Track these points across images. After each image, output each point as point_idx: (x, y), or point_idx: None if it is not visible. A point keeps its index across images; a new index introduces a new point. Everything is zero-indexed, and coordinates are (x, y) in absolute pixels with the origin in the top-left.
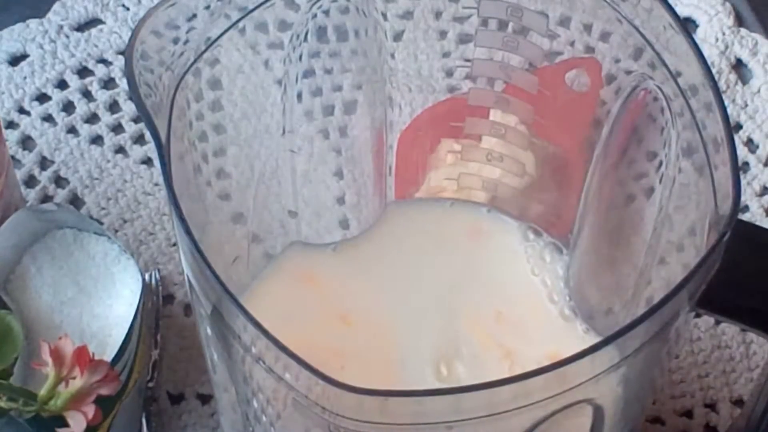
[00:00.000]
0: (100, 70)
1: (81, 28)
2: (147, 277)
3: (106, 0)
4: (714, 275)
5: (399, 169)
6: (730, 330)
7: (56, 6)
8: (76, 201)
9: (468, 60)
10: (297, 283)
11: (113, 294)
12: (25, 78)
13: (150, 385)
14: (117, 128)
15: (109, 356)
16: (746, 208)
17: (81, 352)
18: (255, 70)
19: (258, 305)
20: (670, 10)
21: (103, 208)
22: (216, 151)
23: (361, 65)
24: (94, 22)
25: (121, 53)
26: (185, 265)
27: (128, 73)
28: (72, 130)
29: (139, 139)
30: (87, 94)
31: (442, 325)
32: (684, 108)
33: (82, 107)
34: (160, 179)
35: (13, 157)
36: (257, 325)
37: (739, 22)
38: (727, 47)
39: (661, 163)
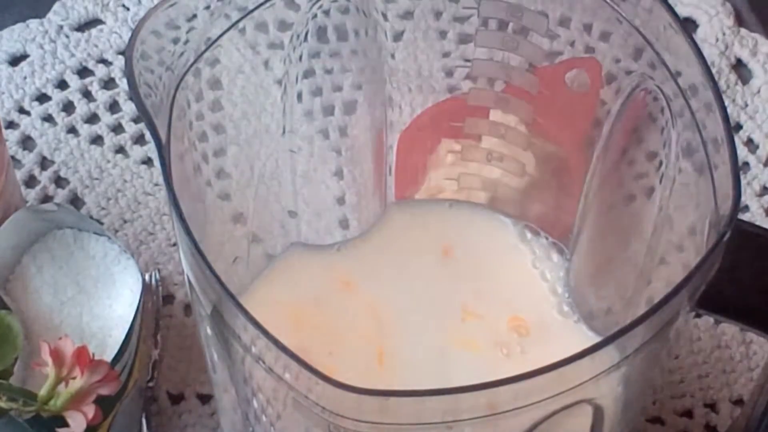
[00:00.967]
0: (100, 70)
1: (81, 28)
2: (147, 277)
3: (106, 0)
4: (714, 275)
5: (399, 169)
6: (730, 330)
7: (56, 6)
8: (76, 201)
9: (468, 60)
10: (297, 284)
11: (113, 294)
12: (25, 78)
13: (150, 385)
14: (117, 128)
15: (109, 356)
16: (746, 208)
17: (81, 353)
18: (255, 70)
19: (258, 305)
20: (670, 10)
21: (103, 208)
22: (216, 151)
23: (361, 65)
24: (94, 22)
25: (121, 53)
26: (185, 265)
27: (128, 73)
28: (72, 130)
29: (139, 139)
30: (87, 94)
31: (442, 324)
32: (684, 108)
33: (82, 107)
34: (160, 179)
35: (13, 157)
36: (257, 325)
37: (739, 22)
38: (727, 47)
39: (661, 163)
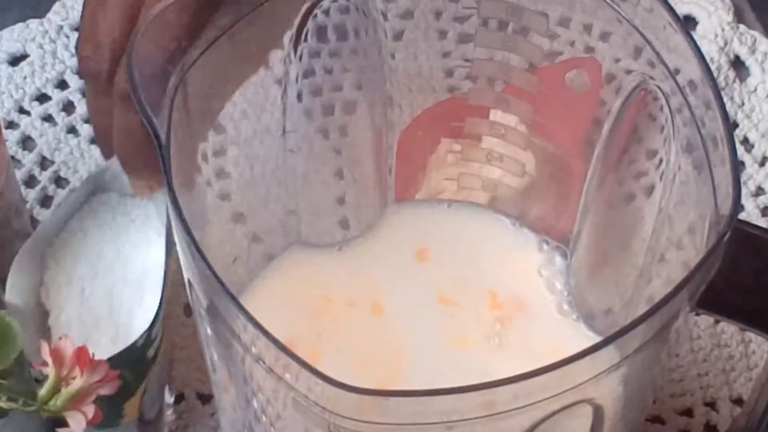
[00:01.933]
0: None
1: None
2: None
3: None
4: (714, 275)
5: (399, 169)
6: (729, 329)
7: (56, 6)
8: None
9: (468, 60)
10: (296, 284)
11: (148, 258)
12: (25, 78)
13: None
14: None
15: (140, 322)
16: (742, 208)
17: (81, 352)
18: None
19: (258, 305)
20: (670, 9)
21: None
22: (216, 151)
23: (361, 65)
24: None
25: None
26: (185, 265)
27: (128, 73)
28: (72, 130)
29: None
30: None
31: (441, 322)
32: (683, 105)
33: (82, 107)
34: None
35: (13, 157)
36: (257, 325)
37: (739, 18)
38: (726, 43)
39: (661, 161)
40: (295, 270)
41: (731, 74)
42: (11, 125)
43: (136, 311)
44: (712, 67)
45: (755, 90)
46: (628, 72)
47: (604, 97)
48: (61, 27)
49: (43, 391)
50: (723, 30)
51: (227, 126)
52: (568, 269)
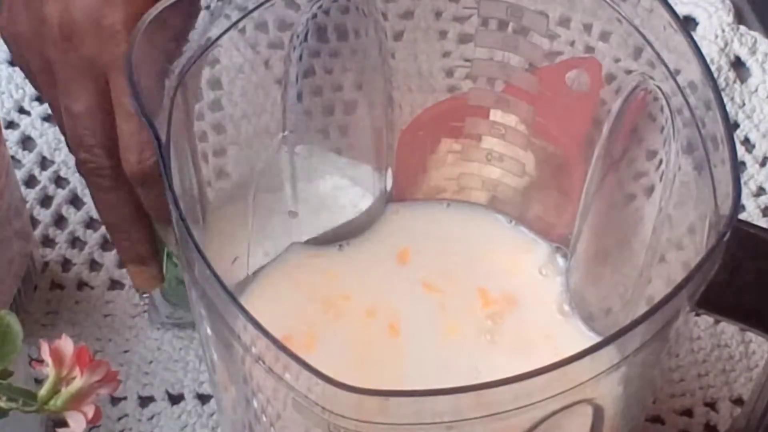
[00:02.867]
0: None
1: None
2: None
3: None
4: (714, 275)
5: (399, 169)
6: (729, 329)
7: None
8: (76, 201)
9: (468, 60)
10: (296, 284)
11: None
12: (25, 78)
13: None
14: None
15: None
16: (742, 208)
17: (81, 352)
18: (255, 70)
19: (258, 305)
20: (670, 9)
21: None
22: (216, 151)
23: (361, 65)
24: None
25: None
26: (185, 265)
27: (128, 73)
28: None
29: None
30: None
31: (441, 322)
32: (683, 106)
33: None
34: None
35: (13, 157)
36: (257, 325)
37: (739, 20)
38: (726, 44)
39: (661, 162)
40: (295, 270)
41: (731, 75)
42: (11, 125)
43: None
44: (713, 68)
45: (756, 90)
46: (628, 72)
47: (604, 97)
48: None
49: (43, 391)
50: (723, 31)
51: (227, 126)
52: (568, 269)
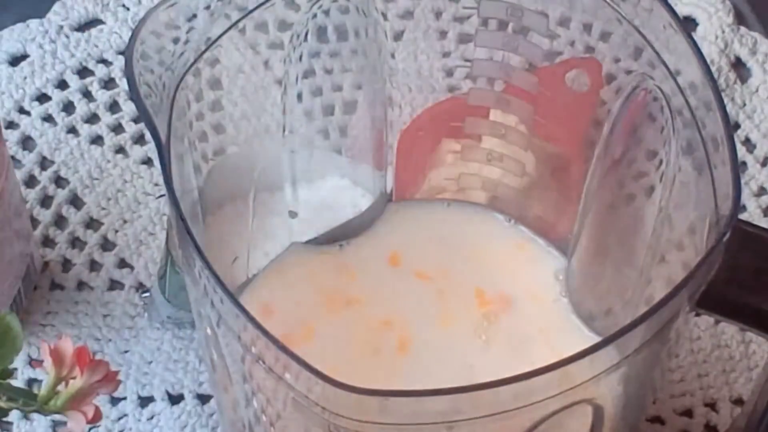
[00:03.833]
0: (100, 70)
1: (81, 28)
2: None
3: (106, 0)
4: (714, 275)
5: (399, 169)
6: (729, 329)
7: (56, 6)
8: (76, 201)
9: (468, 60)
10: (296, 284)
11: None
12: (25, 78)
13: None
14: (117, 128)
15: None
16: (744, 208)
17: (81, 352)
18: (255, 70)
19: (258, 305)
20: (670, 9)
21: (103, 208)
22: (216, 151)
23: (361, 65)
24: (94, 22)
25: (121, 53)
26: (184, 265)
27: (128, 73)
28: (72, 130)
29: (139, 139)
30: (87, 94)
31: (441, 321)
32: (683, 106)
33: (82, 107)
34: (160, 179)
35: (13, 157)
36: (257, 325)
37: (739, 20)
38: (726, 45)
39: (661, 162)
40: (295, 270)
41: (732, 76)
42: (11, 125)
43: None
44: (713, 69)
45: (757, 90)
46: (628, 72)
47: (604, 97)
48: (61, 27)
49: (43, 391)
50: (723, 32)
51: (227, 126)
52: (568, 269)
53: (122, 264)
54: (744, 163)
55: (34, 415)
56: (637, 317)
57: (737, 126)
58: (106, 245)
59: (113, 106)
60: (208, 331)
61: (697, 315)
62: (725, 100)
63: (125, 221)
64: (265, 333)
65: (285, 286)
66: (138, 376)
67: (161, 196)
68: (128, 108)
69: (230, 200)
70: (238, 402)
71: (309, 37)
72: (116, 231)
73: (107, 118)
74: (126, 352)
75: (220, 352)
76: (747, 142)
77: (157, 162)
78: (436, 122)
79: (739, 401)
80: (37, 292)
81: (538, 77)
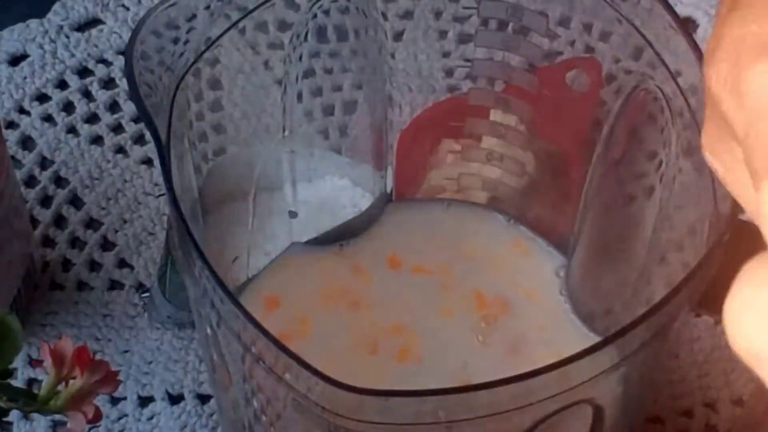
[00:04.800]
0: (100, 70)
1: (81, 28)
2: None
3: (106, 0)
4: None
5: (399, 169)
6: None
7: (56, 6)
8: (76, 201)
9: (468, 60)
10: (296, 284)
11: None
12: (25, 78)
13: None
14: (117, 128)
15: None
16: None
17: (81, 352)
18: (255, 70)
19: (258, 305)
20: (670, 10)
21: (103, 208)
22: (216, 151)
23: (361, 65)
24: (94, 22)
25: (121, 53)
26: (185, 265)
27: (128, 73)
28: (72, 130)
29: (139, 139)
30: (87, 94)
31: (443, 324)
32: (684, 107)
33: (82, 107)
34: (160, 179)
35: (13, 157)
36: (257, 325)
37: None
38: None
39: (661, 163)
40: (295, 270)
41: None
42: (11, 125)
43: None
44: None
45: None
46: (628, 72)
47: (604, 97)
48: (61, 27)
49: (43, 391)
50: None
51: (227, 126)
52: (568, 270)
53: (122, 264)
54: None
55: (34, 415)
56: (637, 317)
57: None
58: (106, 245)
59: (113, 106)
60: (208, 331)
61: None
62: None
63: (125, 221)
64: (265, 333)
65: (285, 286)
66: (138, 376)
67: (161, 195)
68: (128, 108)
69: (230, 200)
70: (238, 402)
71: (309, 37)
72: (116, 231)
73: (107, 118)
74: (126, 352)
75: (220, 352)
76: None
77: (157, 162)
78: (436, 122)
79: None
80: (37, 292)
81: (538, 77)
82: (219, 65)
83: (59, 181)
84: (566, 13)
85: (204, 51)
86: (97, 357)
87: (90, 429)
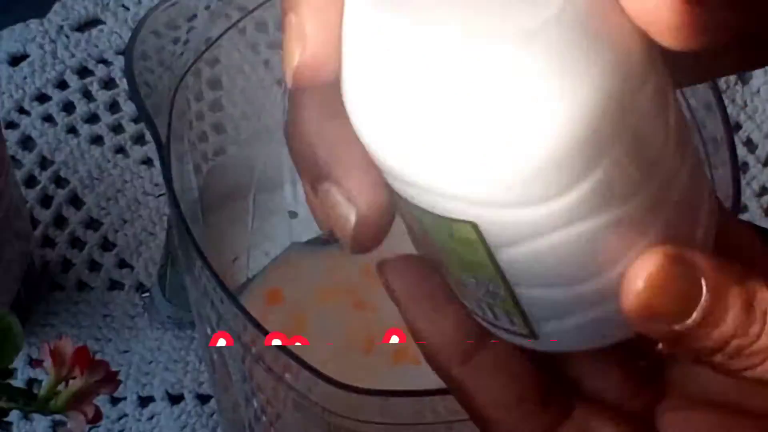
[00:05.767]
0: (100, 70)
1: (81, 28)
2: None
3: (106, 0)
4: None
5: None
6: None
7: (56, 6)
8: (76, 201)
9: None
10: (297, 284)
11: None
12: (25, 78)
13: None
14: (117, 128)
15: None
16: (745, 208)
17: (81, 352)
18: (255, 70)
19: (258, 305)
20: None
21: (103, 208)
22: (216, 151)
23: None
24: (94, 22)
25: (121, 53)
26: (184, 265)
27: (128, 73)
28: (72, 130)
29: (139, 139)
30: (87, 94)
31: None
32: (683, 107)
33: (82, 107)
34: (160, 179)
35: (13, 157)
36: (257, 325)
37: None
38: None
39: None
40: (295, 270)
41: (732, 77)
42: (11, 125)
43: None
44: None
45: (758, 91)
46: None
47: None
48: (61, 27)
49: (43, 391)
50: None
51: (227, 126)
52: None
53: (122, 264)
54: (746, 164)
55: (34, 415)
56: None
57: (739, 127)
58: (106, 245)
59: (113, 106)
60: (208, 331)
61: None
62: (726, 102)
63: (125, 221)
64: (265, 333)
65: (285, 287)
66: (138, 376)
67: (161, 195)
68: (128, 108)
69: (230, 200)
70: (238, 402)
71: None
72: (116, 231)
73: (107, 118)
74: (126, 352)
75: (220, 352)
76: (749, 142)
77: (157, 162)
78: None
79: None
80: (37, 293)
81: None
82: (219, 65)
83: (59, 181)
84: None
85: (204, 51)
86: (97, 357)
87: (90, 429)
